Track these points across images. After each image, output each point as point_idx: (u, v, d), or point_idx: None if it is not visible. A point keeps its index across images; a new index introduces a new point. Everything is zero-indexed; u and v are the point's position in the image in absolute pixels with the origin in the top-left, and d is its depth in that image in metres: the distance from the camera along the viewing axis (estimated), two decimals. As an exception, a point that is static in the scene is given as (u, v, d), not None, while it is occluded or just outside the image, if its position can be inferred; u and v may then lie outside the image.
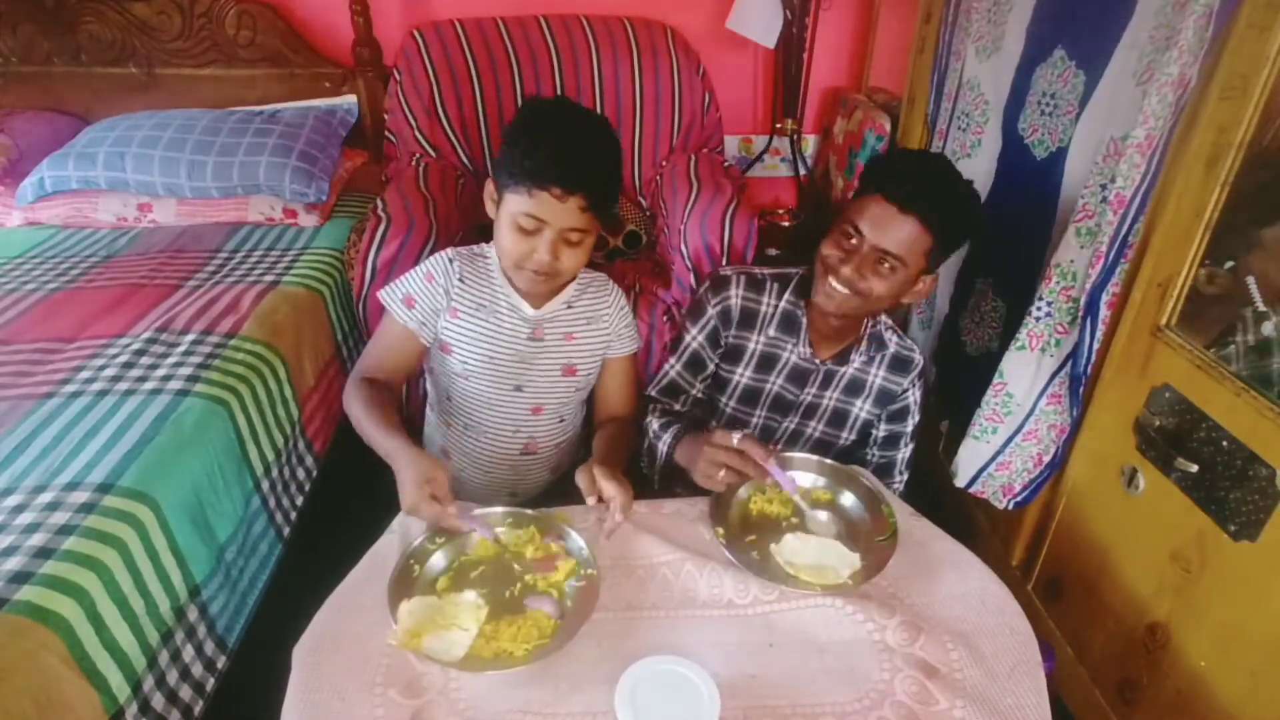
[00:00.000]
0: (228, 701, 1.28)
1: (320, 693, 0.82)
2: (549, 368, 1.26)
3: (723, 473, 1.04)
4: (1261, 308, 1.06)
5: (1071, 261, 1.31)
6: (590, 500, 1.05)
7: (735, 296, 1.26)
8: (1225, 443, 1.10)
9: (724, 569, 0.98)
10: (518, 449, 1.31)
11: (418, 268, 1.23)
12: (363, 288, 1.75)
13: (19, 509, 1.12)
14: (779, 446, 1.36)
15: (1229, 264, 1.12)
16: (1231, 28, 1.05)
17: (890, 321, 1.31)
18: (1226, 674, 1.13)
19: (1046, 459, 1.44)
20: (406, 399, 1.81)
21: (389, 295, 1.21)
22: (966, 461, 1.51)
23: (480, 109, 2.22)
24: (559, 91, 2.24)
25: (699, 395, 1.33)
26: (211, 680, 1.27)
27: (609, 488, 1.03)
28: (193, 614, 1.23)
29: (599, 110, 2.26)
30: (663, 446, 1.22)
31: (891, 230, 1.08)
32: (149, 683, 1.12)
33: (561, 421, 1.34)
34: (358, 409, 1.11)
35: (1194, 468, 1.15)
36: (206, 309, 1.64)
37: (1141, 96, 1.14)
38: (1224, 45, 1.06)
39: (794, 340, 1.26)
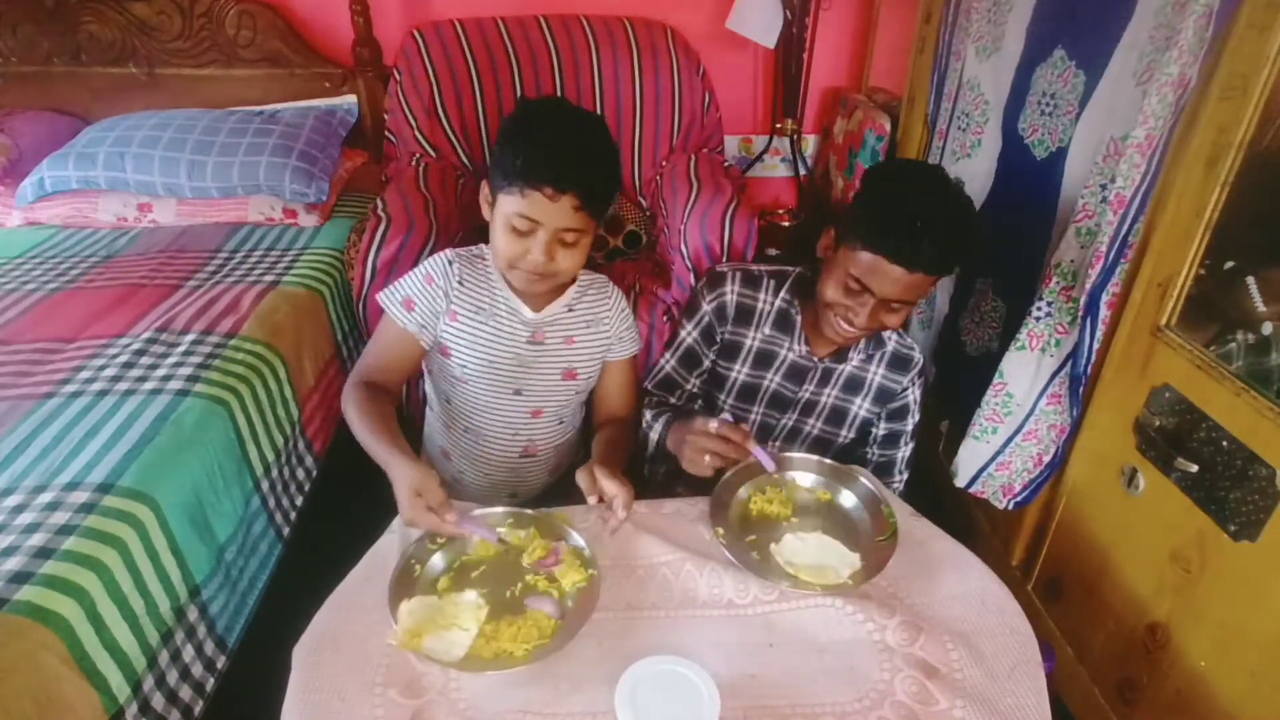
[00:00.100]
0: (228, 701, 1.28)
1: (320, 693, 0.82)
2: (549, 372, 1.25)
3: (708, 458, 1.07)
4: (1261, 308, 1.06)
5: (1071, 261, 1.31)
6: (591, 499, 1.06)
7: (731, 293, 1.26)
8: (1225, 443, 1.10)
9: (724, 569, 0.98)
10: (517, 451, 1.31)
11: (417, 269, 1.21)
12: (363, 288, 1.75)
13: (19, 509, 1.12)
14: (777, 444, 1.36)
15: (1229, 264, 1.12)
16: (1231, 28, 1.05)
17: None
18: (1226, 674, 1.13)
19: (1046, 459, 1.44)
20: (406, 399, 1.81)
21: (388, 297, 1.20)
22: (966, 461, 1.51)
23: (480, 109, 2.22)
24: (559, 92, 2.24)
25: (694, 390, 1.33)
26: (211, 680, 1.27)
27: (610, 486, 1.03)
28: (193, 614, 1.23)
29: (599, 110, 2.27)
30: (655, 435, 1.25)
31: (900, 286, 1.07)
32: (149, 683, 1.12)
33: (561, 424, 1.34)
34: (354, 413, 1.10)
35: (1194, 468, 1.15)
36: (206, 309, 1.64)
37: (1141, 96, 1.14)
38: (1224, 45, 1.06)
39: (789, 339, 1.26)
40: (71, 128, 2.24)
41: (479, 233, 2.22)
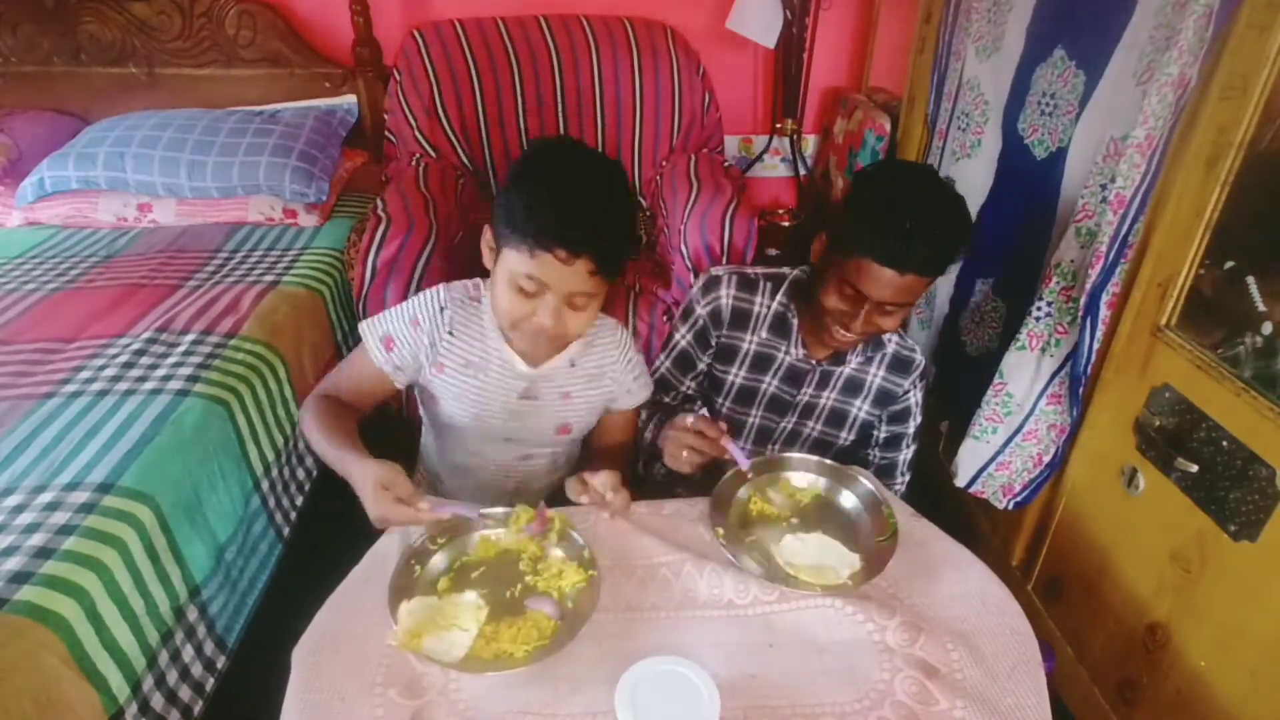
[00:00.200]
0: (227, 701, 1.28)
1: (320, 693, 0.82)
2: (541, 426, 1.18)
3: (685, 453, 1.08)
4: (1261, 308, 1.06)
5: (1071, 261, 1.31)
6: (582, 499, 1.06)
7: (726, 297, 1.25)
8: (1225, 443, 1.10)
9: (724, 569, 0.98)
10: (510, 488, 1.26)
11: (406, 306, 1.12)
12: (363, 288, 1.75)
13: (19, 509, 1.12)
14: (776, 446, 1.35)
15: (1229, 264, 1.12)
16: (1231, 28, 1.05)
17: None
18: (1226, 674, 1.13)
19: (1046, 459, 1.44)
20: (405, 400, 1.81)
21: (369, 330, 1.11)
22: (966, 461, 1.51)
23: (480, 109, 2.22)
24: (559, 91, 2.24)
25: (689, 392, 1.33)
26: (211, 680, 1.27)
27: (597, 479, 1.04)
28: (192, 614, 1.23)
29: (599, 110, 2.27)
30: (648, 434, 1.26)
31: (892, 289, 1.06)
32: (149, 683, 1.12)
33: (555, 464, 1.28)
34: (311, 422, 1.03)
35: (1194, 468, 1.15)
36: (206, 309, 1.64)
37: (1141, 96, 1.14)
38: (1224, 45, 1.06)
39: (786, 342, 1.25)
40: (71, 128, 2.24)
41: (478, 233, 2.22)
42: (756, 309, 1.26)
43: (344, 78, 2.32)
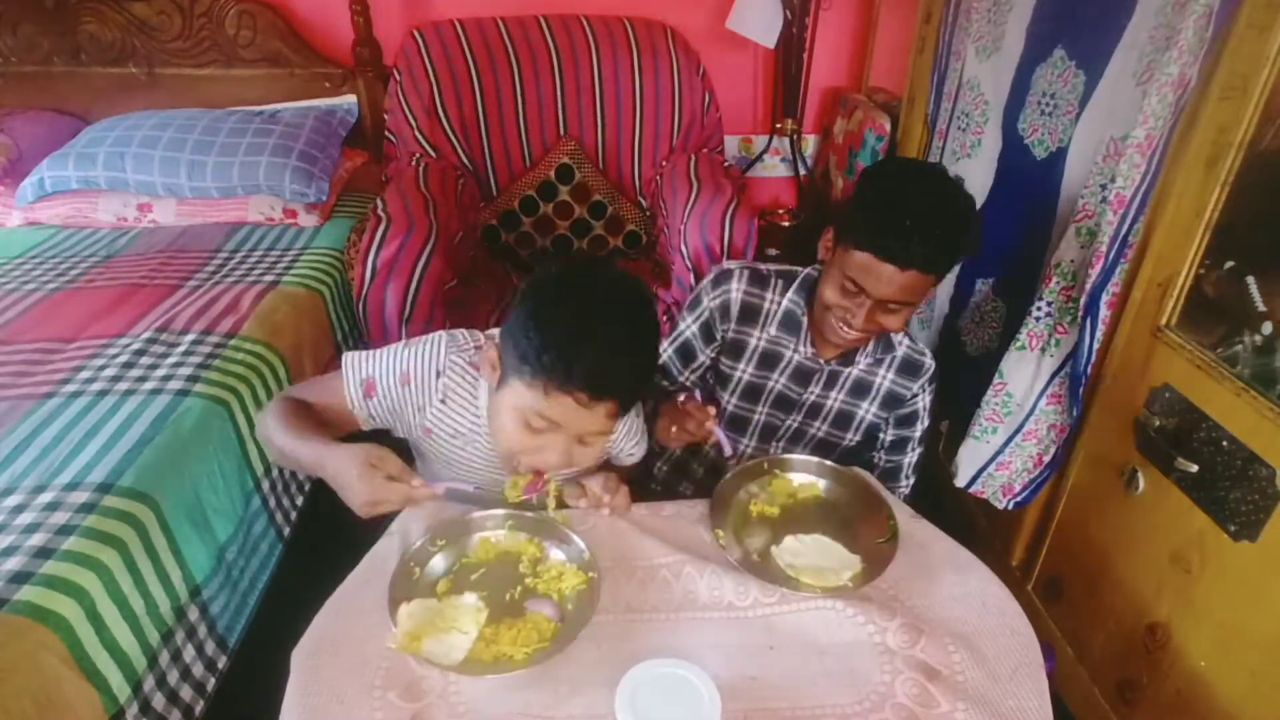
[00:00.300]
0: (228, 701, 1.28)
1: (319, 695, 0.82)
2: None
3: (675, 429, 1.10)
4: (1261, 308, 1.06)
5: (1071, 261, 1.31)
6: (581, 503, 1.06)
7: (736, 291, 1.25)
8: (1225, 443, 1.10)
9: (724, 571, 0.98)
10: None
11: (399, 356, 1.02)
12: (363, 288, 1.75)
13: (19, 509, 1.12)
14: (781, 444, 1.35)
15: (1229, 264, 1.12)
16: (1231, 28, 1.05)
17: None
18: (1226, 674, 1.13)
19: (1046, 459, 1.44)
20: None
21: (351, 367, 1.02)
22: (966, 461, 1.51)
23: (480, 109, 2.22)
24: (559, 91, 2.23)
25: (688, 384, 1.33)
26: (212, 680, 1.27)
27: (593, 482, 1.04)
28: (193, 614, 1.23)
29: (599, 110, 2.26)
30: (646, 411, 1.25)
31: (893, 285, 1.06)
32: (149, 683, 1.12)
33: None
34: (273, 420, 0.96)
35: (1194, 468, 1.14)
36: (206, 309, 1.64)
37: (1141, 96, 1.14)
38: (1224, 45, 1.06)
39: (795, 340, 1.25)
40: (71, 128, 2.24)
41: (478, 233, 2.23)
42: (767, 305, 1.25)
43: (344, 78, 2.32)
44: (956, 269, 1.75)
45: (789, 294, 1.24)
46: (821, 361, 1.25)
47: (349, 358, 1.02)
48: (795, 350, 1.25)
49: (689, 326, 1.29)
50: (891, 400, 1.29)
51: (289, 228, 2.07)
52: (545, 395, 0.86)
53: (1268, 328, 1.05)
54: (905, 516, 1.10)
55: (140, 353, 1.48)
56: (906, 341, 1.26)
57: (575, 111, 2.27)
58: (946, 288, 1.81)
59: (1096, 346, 1.28)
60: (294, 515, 1.58)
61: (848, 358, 1.26)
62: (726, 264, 1.28)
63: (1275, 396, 1.03)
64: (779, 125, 2.57)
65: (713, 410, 1.10)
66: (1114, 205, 1.17)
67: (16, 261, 1.86)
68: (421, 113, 2.18)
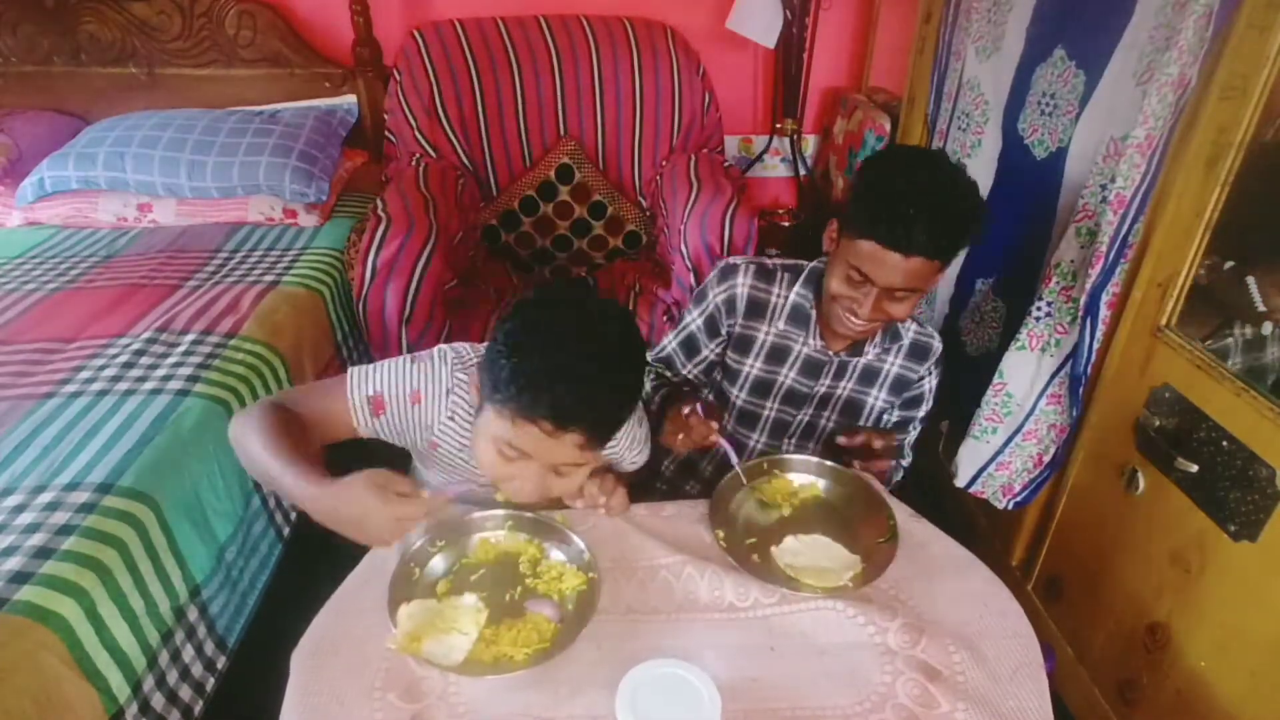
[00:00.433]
0: (228, 702, 1.28)
1: (319, 696, 0.82)
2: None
3: (681, 436, 1.11)
4: (1261, 307, 1.06)
5: (1071, 261, 1.31)
6: (578, 504, 1.06)
7: (742, 285, 1.25)
8: (1225, 443, 1.10)
9: (725, 572, 0.98)
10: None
11: (409, 372, 1.00)
12: (363, 288, 1.75)
13: (19, 509, 1.12)
14: (793, 440, 1.34)
15: (1229, 264, 1.12)
16: (1231, 28, 1.05)
17: None
18: (1226, 674, 1.13)
19: (1046, 459, 1.44)
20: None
21: (358, 383, 0.99)
22: (966, 461, 1.51)
23: (480, 109, 2.22)
24: (559, 90, 2.23)
25: (692, 377, 1.33)
26: (212, 680, 1.27)
27: (591, 483, 1.03)
28: (193, 614, 1.23)
29: (599, 110, 2.26)
30: (653, 408, 1.26)
31: (898, 272, 1.06)
32: (149, 683, 1.12)
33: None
34: (254, 434, 0.91)
35: (1194, 468, 1.15)
36: (206, 309, 1.64)
37: (1141, 96, 1.14)
38: (1224, 45, 1.06)
39: (804, 333, 1.24)
40: (71, 128, 2.24)
41: (478, 233, 2.23)
42: (774, 299, 1.25)
43: (344, 78, 2.31)
44: (957, 269, 1.75)
45: (796, 287, 1.24)
46: (830, 354, 1.25)
47: (355, 373, 1.00)
48: (804, 343, 1.25)
49: (694, 320, 1.29)
50: (899, 384, 1.28)
51: (289, 228, 2.07)
52: (513, 424, 0.86)
53: (1268, 327, 1.05)
54: (905, 516, 1.09)
55: (140, 353, 1.48)
56: (914, 327, 1.26)
57: (575, 111, 2.27)
58: (946, 288, 1.81)
59: (1096, 346, 1.28)
60: (294, 515, 1.58)
61: (856, 348, 1.25)
62: (733, 259, 1.28)
63: (1272, 391, 1.03)
64: (779, 125, 2.57)
65: (715, 426, 1.11)
66: (1114, 205, 1.17)
67: (16, 261, 1.86)
68: (421, 113, 2.18)
